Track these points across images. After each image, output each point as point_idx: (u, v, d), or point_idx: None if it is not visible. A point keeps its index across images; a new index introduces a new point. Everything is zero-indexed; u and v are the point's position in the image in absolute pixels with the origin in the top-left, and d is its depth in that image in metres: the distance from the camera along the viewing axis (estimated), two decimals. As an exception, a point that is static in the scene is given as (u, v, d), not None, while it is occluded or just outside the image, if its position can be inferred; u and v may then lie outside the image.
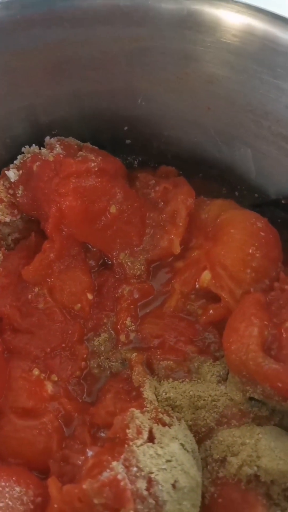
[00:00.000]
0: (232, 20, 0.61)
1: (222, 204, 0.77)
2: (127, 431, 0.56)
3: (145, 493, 0.52)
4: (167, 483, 0.53)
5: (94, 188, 0.70)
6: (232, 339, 0.64)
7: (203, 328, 0.71)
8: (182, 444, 0.57)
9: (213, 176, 0.83)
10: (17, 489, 0.58)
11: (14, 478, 0.58)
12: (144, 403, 0.61)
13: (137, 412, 0.59)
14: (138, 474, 0.53)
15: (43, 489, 0.59)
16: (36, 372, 0.68)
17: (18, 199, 0.73)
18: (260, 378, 0.60)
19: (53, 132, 0.77)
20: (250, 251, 0.69)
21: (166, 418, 0.60)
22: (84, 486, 0.52)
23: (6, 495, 0.57)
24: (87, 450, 0.62)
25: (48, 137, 0.75)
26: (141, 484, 0.52)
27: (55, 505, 0.54)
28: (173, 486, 0.53)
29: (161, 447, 0.55)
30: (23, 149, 0.75)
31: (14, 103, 0.73)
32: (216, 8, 0.61)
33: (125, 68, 0.69)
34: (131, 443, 0.55)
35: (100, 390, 0.70)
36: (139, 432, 0.56)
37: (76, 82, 0.72)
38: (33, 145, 0.74)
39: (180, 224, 0.73)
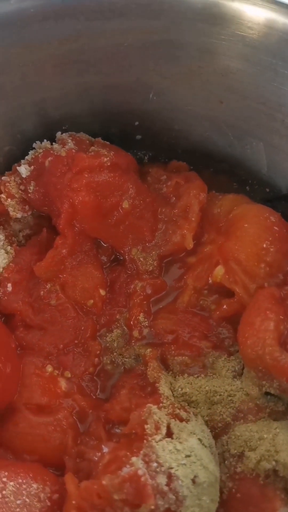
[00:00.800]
0: (248, 12, 0.60)
1: (234, 198, 0.76)
2: (146, 426, 0.56)
3: (166, 488, 0.52)
4: (187, 478, 0.53)
5: (107, 183, 0.69)
6: (247, 334, 0.63)
7: (216, 323, 0.71)
8: (200, 439, 0.57)
9: (223, 171, 0.82)
10: (34, 486, 0.57)
11: (31, 475, 0.58)
12: (160, 398, 0.61)
13: (154, 407, 0.59)
14: (158, 469, 0.52)
15: (59, 486, 0.59)
16: (49, 368, 0.68)
17: (29, 195, 0.73)
18: (277, 373, 0.60)
19: (63, 128, 0.77)
20: (264, 245, 0.68)
21: (183, 414, 0.59)
22: (103, 482, 0.52)
23: (24, 492, 0.56)
24: (103, 446, 0.61)
25: (59, 132, 0.75)
26: (162, 480, 0.52)
27: (73, 502, 0.54)
28: (193, 481, 0.53)
29: (180, 442, 0.55)
30: (34, 145, 0.74)
31: (24, 97, 0.72)
32: (232, 1, 0.60)
33: (138, 62, 0.69)
34: (150, 438, 0.54)
35: (114, 386, 0.70)
36: (157, 428, 0.56)
37: (88, 76, 0.72)
38: (45, 140, 0.74)
39: (193, 219, 0.73)
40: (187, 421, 0.59)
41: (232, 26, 0.61)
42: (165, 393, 0.62)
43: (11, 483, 0.56)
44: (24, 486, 0.57)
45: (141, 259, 0.74)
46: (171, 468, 0.52)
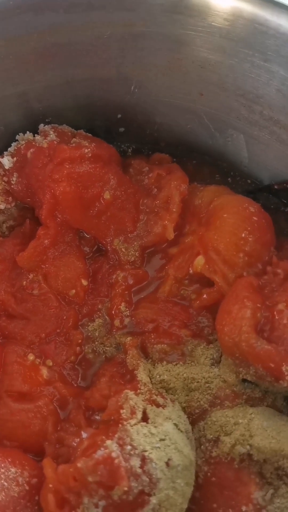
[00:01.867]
0: (223, 4, 0.61)
1: (215, 190, 0.77)
2: (121, 411, 0.57)
3: (139, 470, 0.52)
4: (160, 461, 0.53)
5: (88, 174, 0.70)
6: (225, 321, 0.64)
7: (196, 312, 0.71)
8: (175, 424, 0.58)
9: (206, 163, 0.83)
10: (13, 470, 0.58)
11: (9, 459, 0.59)
12: (138, 385, 0.62)
13: (131, 393, 0.59)
14: (132, 452, 0.53)
15: (38, 471, 0.60)
16: (31, 357, 0.69)
17: (12, 186, 0.74)
18: (253, 359, 0.60)
19: (47, 120, 0.78)
20: (243, 235, 0.69)
21: (160, 400, 0.60)
22: (78, 465, 0.53)
23: (2, 476, 0.57)
24: (82, 432, 0.62)
25: (42, 125, 0.76)
26: (135, 462, 0.53)
27: (50, 485, 0.55)
28: (167, 464, 0.54)
29: (155, 427, 0.56)
30: (17, 137, 0.75)
31: (6, 89, 0.73)
32: (207, -8, 0.61)
33: (118, 54, 0.69)
34: (125, 422, 0.55)
35: (95, 374, 0.71)
36: (133, 412, 0.57)
37: (69, 69, 0.72)
38: (27, 132, 0.75)
39: (174, 210, 0.74)
40: (163, 406, 0.59)
41: (208, 18, 0.62)
42: (143, 380, 0.62)
43: (-10, 468, 0.57)
44: (2, 470, 0.58)
45: (123, 249, 0.75)
46: (145, 451, 0.53)
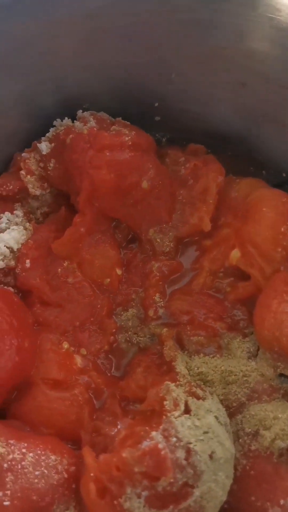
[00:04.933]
0: (276, -7, 0.60)
1: (251, 182, 0.76)
2: (165, 402, 0.57)
3: (184, 462, 0.53)
4: (204, 453, 0.53)
5: (128, 162, 0.69)
6: (264, 316, 0.64)
7: (231, 305, 0.71)
8: (216, 417, 0.58)
9: (241, 154, 0.82)
10: (53, 457, 0.58)
11: (49, 447, 0.59)
12: (177, 377, 0.62)
13: (172, 385, 0.59)
14: (177, 444, 0.53)
15: (76, 459, 0.60)
16: (65, 345, 0.69)
17: (49, 172, 0.73)
18: (293, 354, 0.60)
19: (83, 106, 0.76)
20: (282, 229, 0.69)
21: (199, 392, 0.60)
22: (124, 455, 0.53)
23: (42, 463, 0.57)
24: (118, 422, 0.62)
25: (80, 111, 0.75)
26: (181, 454, 0.53)
27: (92, 474, 0.55)
28: (210, 457, 0.54)
29: (198, 419, 0.56)
30: (55, 122, 0.74)
31: (44, 73, 0.71)
32: (261, -19, 0.60)
33: (162, 41, 0.68)
34: (169, 414, 0.55)
35: (128, 364, 0.70)
36: (175, 404, 0.57)
37: (109, 54, 0.71)
38: (66, 118, 0.74)
39: (211, 201, 0.73)
40: (203, 399, 0.59)
41: (260, 7, 0.61)
42: (181, 372, 0.62)
43: (30, 454, 0.57)
44: (43, 458, 0.58)
45: (158, 240, 0.74)
46: (190, 443, 0.53)
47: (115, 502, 0.53)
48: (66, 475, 0.58)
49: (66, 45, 0.69)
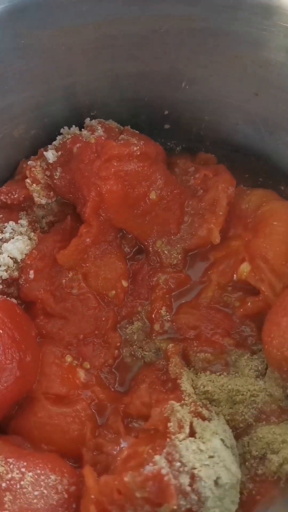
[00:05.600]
0: (293, 2, 0.58)
1: (263, 194, 0.75)
2: (169, 424, 0.55)
3: (188, 488, 0.51)
4: (210, 479, 0.52)
5: (136, 173, 0.68)
6: (273, 334, 0.62)
7: (240, 320, 0.69)
8: (222, 440, 0.56)
9: (253, 165, 0.80)
10: (52, 477, 0.57)
11: (49, 466, 0.57)
12: (183, 396, 0.60)
13: (176, 405, 0.58)
14: (181, 469, 0.51)
15: (76, 478, 0.58)
16: (68, 358, 0.67)
17: (55, 181, 0.71)
18: (303, 375, 0.58)
19: (92, 114, 0.75)
20: (294, 244, 0.67)
21: (205, 412, 0.58)
22: (125, 479, 0.51)
23: (42, 483, 0.56)
24: (121, 440, 0.61)
25: (88, 119, 0.73)
26: (185, 480, 0.51)
27: (92, 496, 0.53)
28: (216, 482, 0.52)
29: (203, 443, 0.54)
30: (62, 130, 0.73)
31: (54, 81, 0.70)
32: (276, -10, 0.58)
33: (173, 49, 0.67)
34: (173, 437, 0.53)
35: (133, 379, 0.69)
36: (180, 426, 0.55)
37: (120, 62, 0.70)
38: (73, 126, 0.72)
39: (220, 213, 0.72)
40: (209, 420, 0.58)
41: (275, 16, 0.59)
42: (187, 390, 0.60)
43: (30, 474, 0.56)
44: (42, 477, 0.56)
45: (166, 251, 0.73)
46: (195, 468, 0.52)
47: None
48: (66, 495, 0.57)
49: (76, 53, 0.68)
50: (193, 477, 0.51)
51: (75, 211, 0.74)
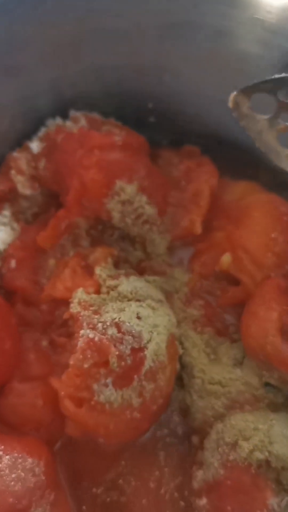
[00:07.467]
0: (268, -5, 0.59)
1: (246, 186, 0.75)
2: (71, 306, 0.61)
3: (119, 335, 0.56)
4: (131, 318, 0.57)
5: (118, 162, 0.69)
6: (250, 323, 0.63)
7: (221, 309, 0.70)
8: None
9: (237, 157, 0.81)
10: (30, 460, 0.58)
11: (27, 449, 0.58)
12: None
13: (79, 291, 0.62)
14: (104, 326, 0.57)
15: (54, 461, 0.60)
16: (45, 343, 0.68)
17: (39, 171, 0.73)
18: (278, 363, 0.59)
19: (77, 107, 0.76)
20: (273, 235, 0.68)
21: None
22: (71, 362, 0.56)
23: (19, 466, 0.57)
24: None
25: (73, 111, 0.74)
26: (112, 331, 0.56)
27: (62, 393, 0.57)
28: (138, 318, 0.58)
29: (108, 293, 0.61)
30: (46, 122, 0.74)
31: (39, 74, 0.71)
32: (252, -17, 0.59)
33: (155, 42, 0.68)
34: (82, 312, 0.59)
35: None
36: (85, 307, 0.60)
37: (103, 55, 0.71)
38: (57, 117, 0.73)
39: (202, 204, 0.72)
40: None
41: (251, 9, 0.60)
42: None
43: (7, 457, 0.57)
44: (19, 460, 0.57)
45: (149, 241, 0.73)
46: (114, 319, 0.57)
47: (92, 403, 0.56)
48: (43, 477, 0.58)
49: (61, 46, 0.68)
50: (117, 326, 0.57)
51: (59, 202, 0.75)
